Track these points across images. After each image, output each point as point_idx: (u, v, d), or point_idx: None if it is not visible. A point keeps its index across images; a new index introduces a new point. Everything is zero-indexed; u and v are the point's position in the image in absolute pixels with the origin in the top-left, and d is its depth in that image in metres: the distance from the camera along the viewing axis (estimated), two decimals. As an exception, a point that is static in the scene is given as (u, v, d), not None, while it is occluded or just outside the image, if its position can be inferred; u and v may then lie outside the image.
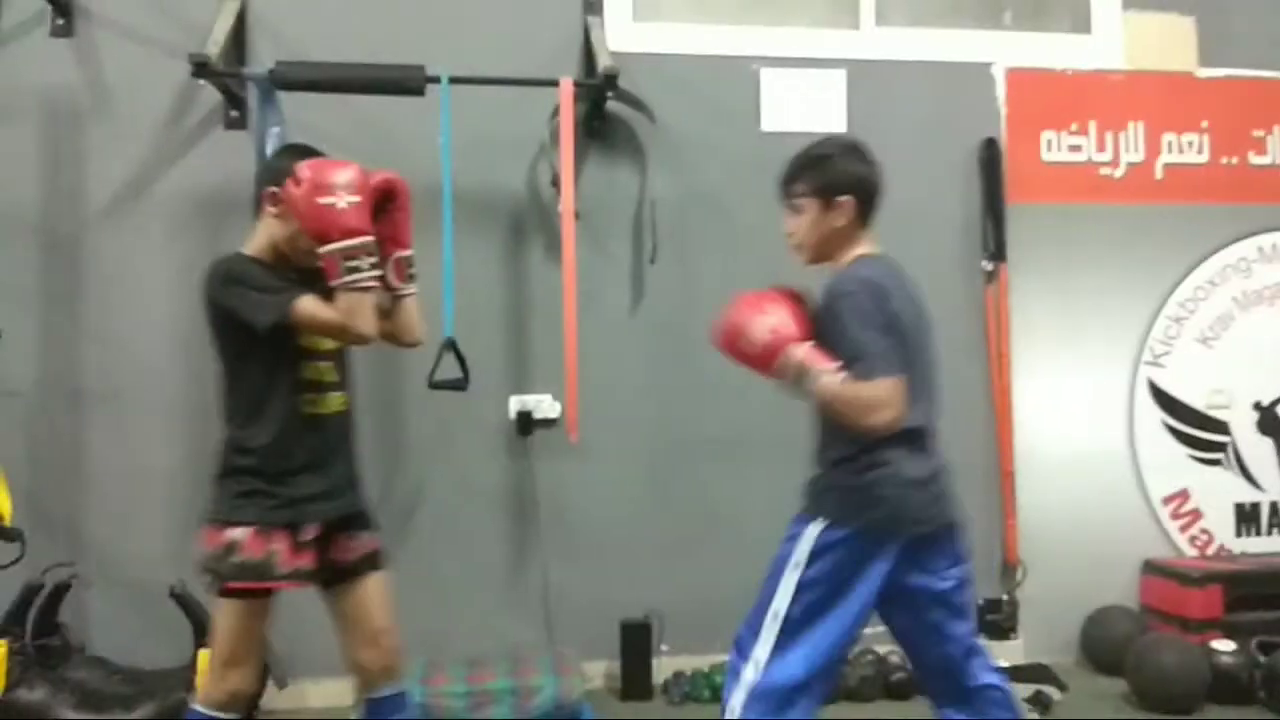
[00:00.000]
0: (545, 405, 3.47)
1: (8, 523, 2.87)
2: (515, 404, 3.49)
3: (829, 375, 1.92)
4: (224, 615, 2.04)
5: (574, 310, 3.20)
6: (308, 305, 2.02)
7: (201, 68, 3.07)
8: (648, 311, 3.58)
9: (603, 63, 3.30)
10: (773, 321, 1.98)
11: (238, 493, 2.04)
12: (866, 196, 2.08)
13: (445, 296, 3.14)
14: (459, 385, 3.16)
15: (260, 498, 2.03)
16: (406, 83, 3.17)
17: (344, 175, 2.00)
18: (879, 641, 3.53)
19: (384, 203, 2.13)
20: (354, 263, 1.99)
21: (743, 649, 2.00)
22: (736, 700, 1.96)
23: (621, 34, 3.59)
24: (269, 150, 3.04)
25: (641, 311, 3.59)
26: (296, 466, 2.07)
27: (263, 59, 3.31)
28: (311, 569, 2.09)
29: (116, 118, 3.35)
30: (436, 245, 3.16)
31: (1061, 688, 3.35)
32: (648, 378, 3.59)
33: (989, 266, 3.76)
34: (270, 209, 2.11)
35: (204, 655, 2.82)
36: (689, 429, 3.60)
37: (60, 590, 3.02)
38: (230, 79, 3.25)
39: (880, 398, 1.91)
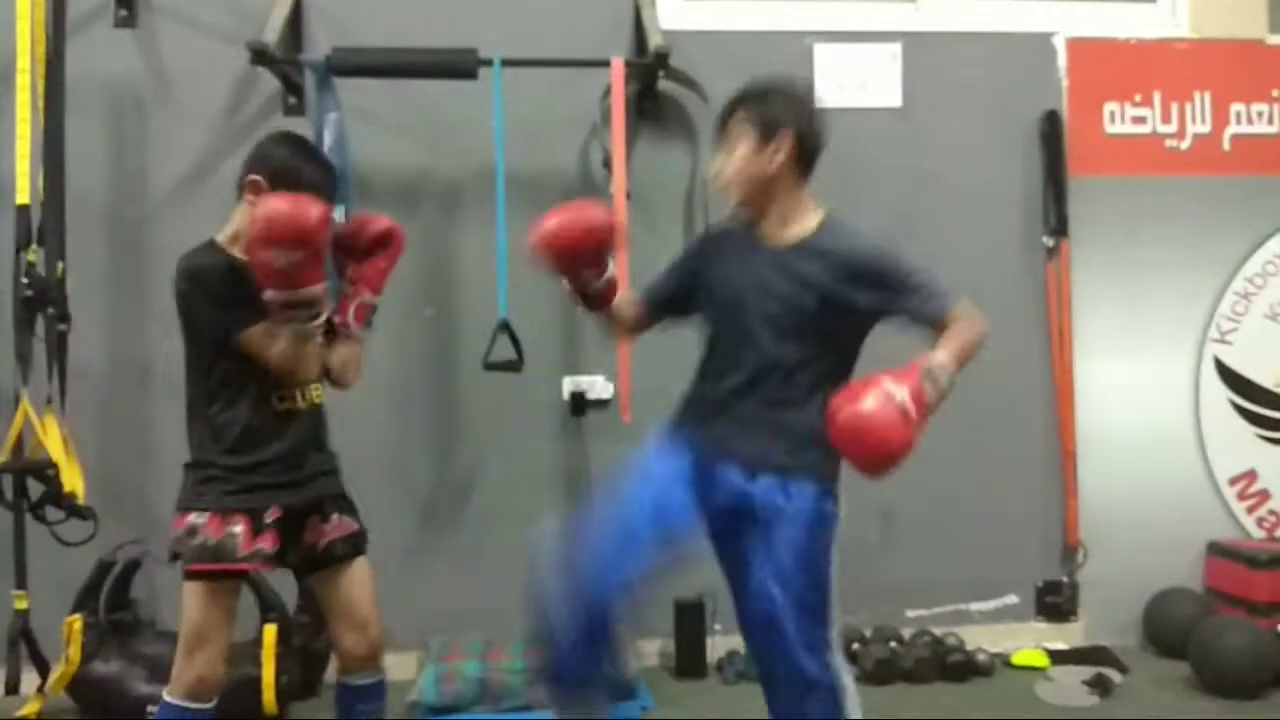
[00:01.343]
0: (598, 386, 3.49)
1: (81, 501, 2.96)
2: (569, 385, 3.51)
3: (944, 359, 1.79)
4: (189, 598, 2.06)
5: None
6: (253, 337, 2.03)
7: (259, 55, 3.12)
8: (700, 291, 3.58)
9: (654, 42, 3.28)
10: (902, 396, 1.70)
11: (200, 479, 2.07)
12: (810, 143, 1.97)
13: (499, 278, 3.17)
14: (513, 366, 3.19)
15: (220, 484, 2.05)
16: (459, 66, 3.19)
17: (292, 229, 1.91)
18: (936, 623, 3.55)
19: (374, 247, 2.16)
20: (290, 312, 1.99)
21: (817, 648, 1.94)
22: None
23: (673, 12, 3.57)
24: (326, 137, 3.09)
25: (694, 291, 3.58)
26: (264, 458, 2.07)
27: (319, 46, 3.35)
28: (272, 551, 2.09)
29: (178, 106, 3.42)
30: (490, 227, 3.18)
31: (1123, 671, 3.31)
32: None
33: (1050, 242, 3.68)
34: (249, 198, 2.07)
35: (269, 630, 2.91)
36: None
37: (131, 567, 3.11)
38: (288, 66, 3.29)
39: (977, 323, 1.90)
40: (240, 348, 2.04)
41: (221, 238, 2.14)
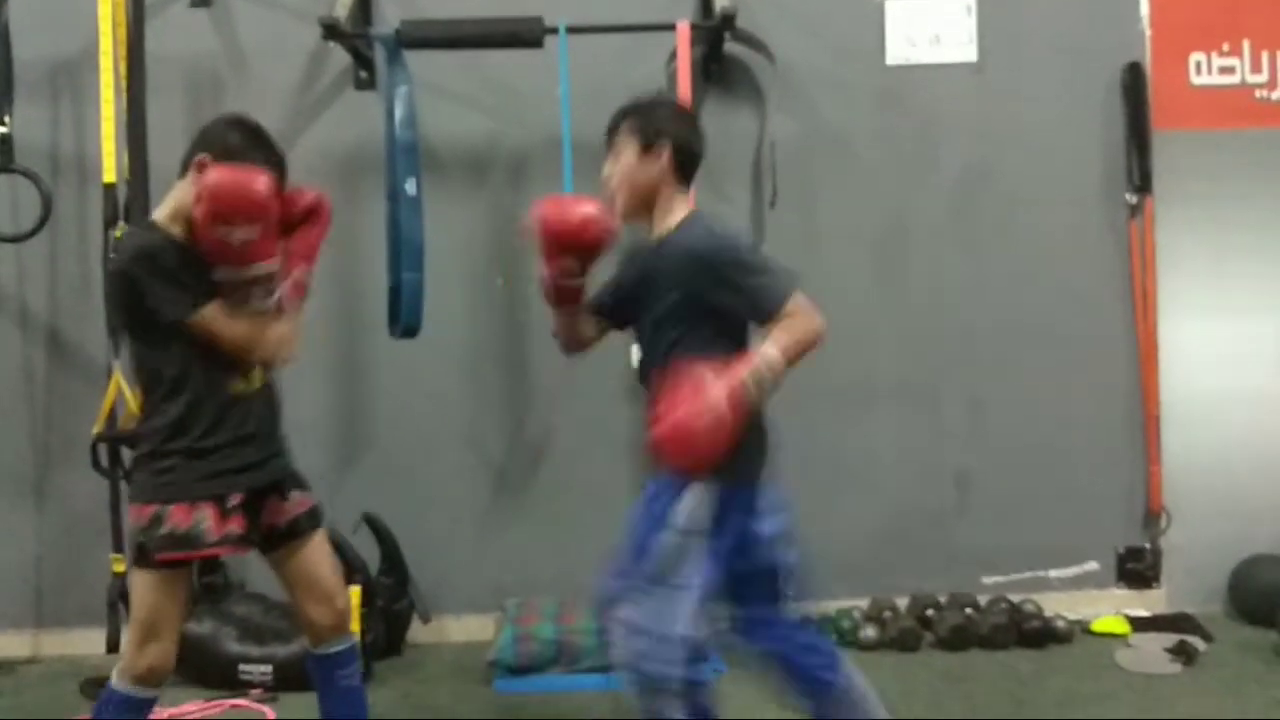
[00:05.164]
0: (667, 353, 3.49)
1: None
2: (636, 353, 3.51)
3: (769, 353, 1.89)
4: (145, 588, 2.06)
5: (695, 257, 3.19)
6: (209, 318, 1.99)
7: (331, 30, 3.17)
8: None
9: (720, 3, 3.24)
10: (719, 403, 1.84)
11: (161, 469, 2.05)
12: (686, 153, 2.07)
13: (568, 247, 3.18)
14: (583, 334, 3.21)
15: (183, 473, 2.04)
16: (525, 34, 3.20)
17: (244, 203, 1.92)
18: (1013, 590, 3.50)
19: (304, 219, 2.12)
20: (244, 290, 2.00)
21: (617, 602, 2.02)
22: (633, 652, 1.96)
23: (739, -27, 3.52)
24: (397, 109, 3.12)
25: (763, 256, 3.56)
26: (219, 442, 2.05)
27: (388, 20, 3.38)
28: (241, 534, 2.09)
29: (253, 83, 3.49)
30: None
31: (1207, 638, 3.24)
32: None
33: (1133, 199, 3.57)
34: (195, 177, 2.01)
35: (354, 591, 2.99)
36: (811, 376, 3.48)
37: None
38: (358, 40, 3.33)
39: (811, 322, 1.94)
40: (193, 329, 2.00)
41: (160, 217, 2.09)
